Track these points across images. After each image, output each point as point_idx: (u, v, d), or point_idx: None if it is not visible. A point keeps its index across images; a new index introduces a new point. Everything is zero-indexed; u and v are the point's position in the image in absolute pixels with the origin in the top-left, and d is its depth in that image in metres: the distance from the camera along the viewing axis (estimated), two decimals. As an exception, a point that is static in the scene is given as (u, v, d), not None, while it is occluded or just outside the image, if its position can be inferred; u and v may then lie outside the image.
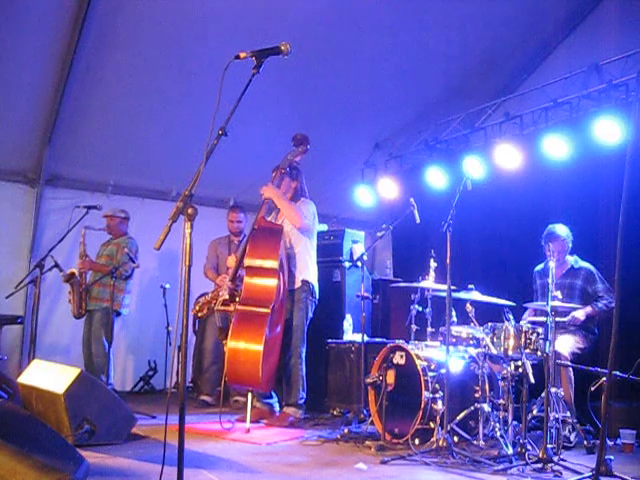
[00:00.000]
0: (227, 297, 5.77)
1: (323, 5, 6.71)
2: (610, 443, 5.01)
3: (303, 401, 6.00)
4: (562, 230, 5.85)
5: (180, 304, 2.82)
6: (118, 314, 7.06)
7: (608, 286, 5.67)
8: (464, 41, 7.54)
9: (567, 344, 5.49)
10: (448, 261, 4.85)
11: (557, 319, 4.64)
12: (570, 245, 5.89)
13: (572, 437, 4.98)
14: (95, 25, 6.26)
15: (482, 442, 4.76)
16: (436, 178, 8.02)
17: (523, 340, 4.74)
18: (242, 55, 3.19)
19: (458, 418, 4.90)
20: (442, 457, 4.47)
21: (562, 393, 5.00)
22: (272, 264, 5.69)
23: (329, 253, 7.35)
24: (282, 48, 3.29)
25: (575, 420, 5.01)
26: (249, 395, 5.63)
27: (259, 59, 3.21)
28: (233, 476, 3.94)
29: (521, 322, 5.54)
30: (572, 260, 5.91)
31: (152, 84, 7.11)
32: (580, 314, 5.56)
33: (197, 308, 6.39)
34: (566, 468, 4.14)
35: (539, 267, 6.09)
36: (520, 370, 4.73)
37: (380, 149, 9.06)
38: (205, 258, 7.35)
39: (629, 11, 6.76)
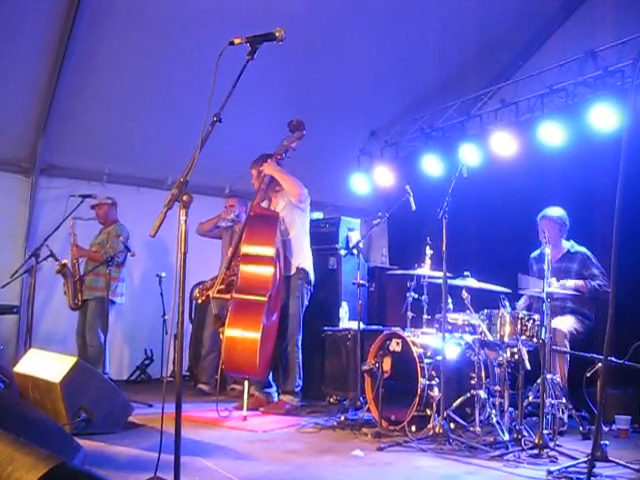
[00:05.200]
0: (223, 286, 5.77)
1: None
2: (605, 429, 5.02)
3: (299, 389, 6.01)
4: (555, 211, 5.86)
5: (176, 292, 2.82)
6: (112, 303, 7.05)
7: (603, 270, 5.67)
8: (460, 28, 7.52)
9: (566, 323, 5.51)
10: (444, 248, 4.85)
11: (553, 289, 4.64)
12: (565, 227, 5.88)
13: (565, 417, 4.98)
14: (89, 13, 6.23)
15: (478, 428, 4.78)
16: (432, 166, 8.02)
17: (519, 327, 4.74)
18: (236, 41, 3.17)
19: (454, 405, 4.91)
20: (438, 443, 4.48)
21: (558, 379, 5.02)
22: (269, 251, 5.69)
23: (325, 241, 7.34)
24: (276, 34, 3.27)
25: (570, 406, 5.02)
26: (246, 383, 5.64)
27: (253, 45, 3.20)
28: (230, 463, 3.94)
29: (518, 305, 5.59)
30: (568, 245, 5.91)
31: (147, 72, 7.07)
32: (570, 284, 5.54)
33: (197, 294, 6.38)
34: (562, 454, 4.17)
35: (535, 253, 6.10)
36: (516, 357, 4.74)
37: (376, 137, 9.06)
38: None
39: (624, -2, 6.75)
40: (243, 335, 5.49)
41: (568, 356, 5.40)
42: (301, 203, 6.03)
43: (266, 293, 5.59)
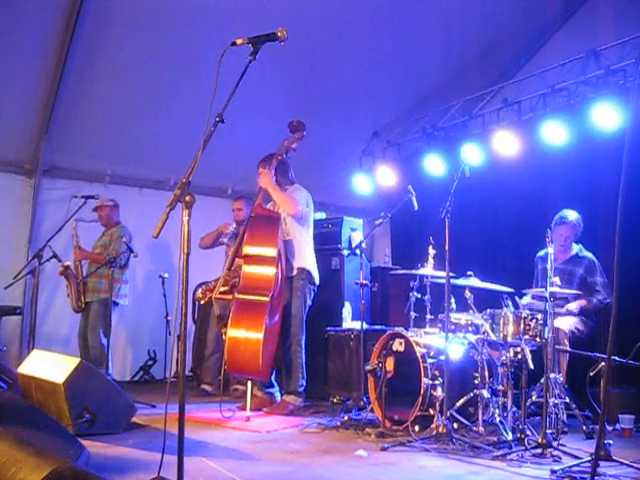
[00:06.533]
0: (226, 286, 5.78)
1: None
2: (609, 428, 5.02)
3: (303, 389, 6.01)
4: (574, 215, 5.88)
5: (179, 292, 2.82)
6: (115, 304, 7.05)
7: (606, 281, 5.69)
8: (462, 28, 7.52)
9: (567, 322, 5.54)
10: (447, 248, 4.84)
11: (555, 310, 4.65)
12: (579, 232, 5.90)
13: (564, 417, 4.96)
14: (91, 15, 6.24)
15: (481, 428, 4.77)
16: (434, 165, 8.02)
17: (522, 326, 4.73)
18: (238, 41, 3.17)
19: (457, 404, 4.90)
20: (442, 443, 4.48)
21: (561, 379, 5.01)
22: (270, 252, 5.69)
23: (327, 241, 7.34)
24: (279, 34, 3.27)
25: (568, 399, 5.00)
26: (249, 383, 5.64)
27: (255, 45, 3.20)
28: (233, 464, 3.94)
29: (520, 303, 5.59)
30: (577, 248, 5.93)
31: (149, 73, 7.08)
32: (574, 307, 5.61)
33: (200, 295, 6.39)
34: (565, 453, 4.16)
35: (541, 252, 6.08)
36: (519, 356, 4.74)
37: (378, 137, 9.06)
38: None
39: (626, -3, 6.75)
40: (246, 335, 5.49)
41: (568, 354, 5.40)
42: (299, 220, 6.03)
43: (268, 293, 5.59)
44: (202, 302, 6.56)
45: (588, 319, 5.72)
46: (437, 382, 4.92)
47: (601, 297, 5.64)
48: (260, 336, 5.44)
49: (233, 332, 5.52)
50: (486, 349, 5.12)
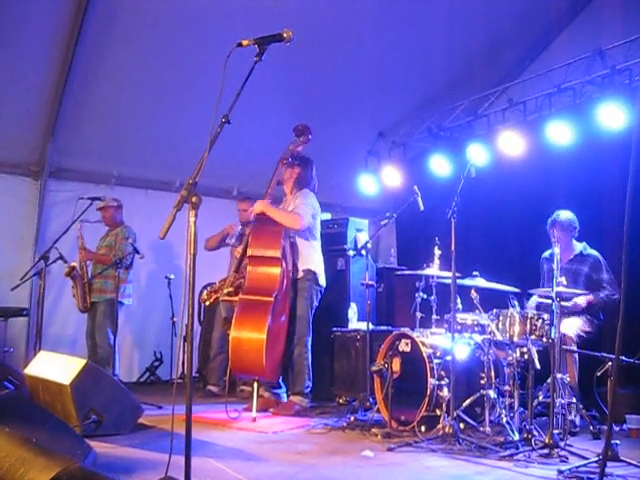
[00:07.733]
0: (232, 288, 5.80)
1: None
2: (616, 428, 5.01)
3: (309, 390, 6.01)
4: (564, 215, 5.85)
5: (185, 294, 2.82)
6: (121, 304, 7.05)
7: (613, 278, 5.67)
8: (467, 28, 7.51)
9: (573, 326, 5.51)
10: (452, 248, 4.84)
11: (562, 303, 4.64)
12: (575, 231, 5.88)
13: (577, 420, 4.97)
14: (96, 17, 6.26)
15: (488, 428, 4.76)
16: (440, 166, 8.02)
17: (528, 326, 4.73)
18: (244, 42, 3.18)
19: (464, 405, 4.90)
20: (448, 444, 4.47)
21: (568, 379, 5.00)
22: (274, 253, 5.70)
23: (333, 242, 7.34)
24: (284, 35, 3.28)
25: (580, 405, 5.01)
26: (255, 384, 5.64)
27: (261, 46, 3.21)
28: (240, 464, 3.94)
29: (527, 305, 5.58)
30: (581, 247, 5.90)
31: (154, 75, 7.10)
32: (581, 300, 5.57)
33: (205, 296, 6.40)
34: (572, 453, 4.15)
35: (546, 253, 6.07)
36: (526, 356, 4.73)
37: (383, 137, 9.07)
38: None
39: (632, -4, 6.73)
40: (249, 335, 5.50)
41: (578, 360, 5.38)
42: (306, 231, 6.05)
43: (272, 294, 5.60)
44: (207, 303, 6.57)
45: (594, 318, 5.70)
46: (443, 382, 4.92)
47: (608, 293, 5.61)
48: (262, 336, 5.45)
49: (236, 332, 5.53)
50: (492, 349, 5.11)
